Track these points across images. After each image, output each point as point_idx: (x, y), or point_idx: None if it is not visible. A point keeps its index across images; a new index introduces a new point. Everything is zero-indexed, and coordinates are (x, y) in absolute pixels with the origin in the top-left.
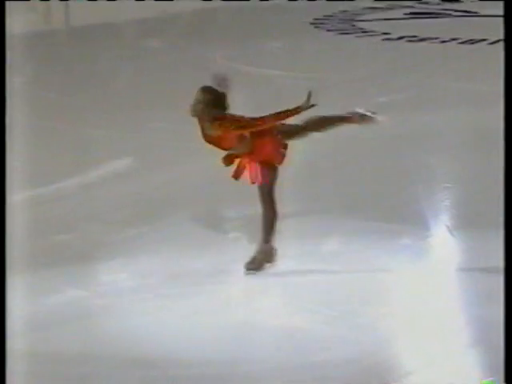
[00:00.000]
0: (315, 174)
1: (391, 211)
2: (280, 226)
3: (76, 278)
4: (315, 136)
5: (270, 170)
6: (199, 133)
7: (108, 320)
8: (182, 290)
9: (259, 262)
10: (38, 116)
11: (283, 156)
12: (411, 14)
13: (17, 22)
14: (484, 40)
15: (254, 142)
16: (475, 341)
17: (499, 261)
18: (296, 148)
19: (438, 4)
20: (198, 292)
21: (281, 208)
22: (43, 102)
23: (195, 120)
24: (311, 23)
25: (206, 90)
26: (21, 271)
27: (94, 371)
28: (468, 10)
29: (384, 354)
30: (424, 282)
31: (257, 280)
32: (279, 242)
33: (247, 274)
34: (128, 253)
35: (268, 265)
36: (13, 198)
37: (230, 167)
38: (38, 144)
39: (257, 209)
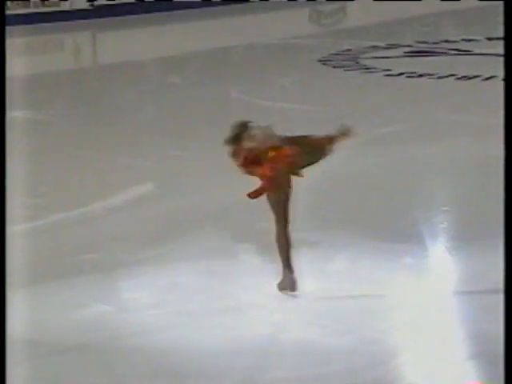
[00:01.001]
0: (327, 199)
1: (395, 233)
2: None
3: (101, 293)
4: (326, 162)
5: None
6: (216, 161)
7: (130, 333)
8: (201, 306)
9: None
10: (68, 146)
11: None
12: (410, 52)
13: (47, 60)
14: (478, 76)
15: None
16: (474, 354)
17: (494, 277)
18: (307, 172)
19: (435, 44)
20: (216, 308)
21: (292, 227)
22: (73, 132)
23: (212, 149)
24: (319, 60)
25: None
26: (49, 286)
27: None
28: (462, 48)
29: (388, 366)
30: (425, 298)
31: (271, 298)
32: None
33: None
34: (149, 271)
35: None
36: (44, 220)
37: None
38: (68, 170)
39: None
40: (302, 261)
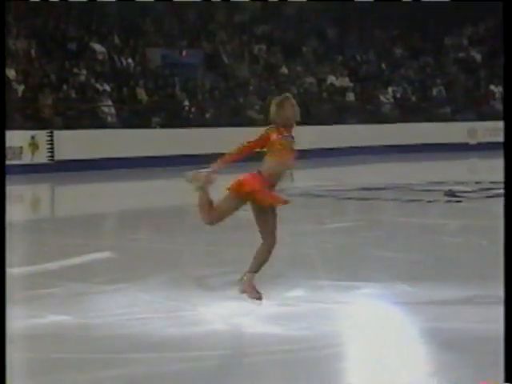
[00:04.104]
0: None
1: (353, 274)
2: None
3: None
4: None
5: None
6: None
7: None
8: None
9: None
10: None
11: None
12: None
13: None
14: (421, 200)
15: None
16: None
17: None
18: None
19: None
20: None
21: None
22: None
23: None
24: None
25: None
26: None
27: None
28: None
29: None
30: (380, 319)
31: (244, 307)
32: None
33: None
34: (109, 299)
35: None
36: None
37: None
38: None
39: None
40: (271, 289)
